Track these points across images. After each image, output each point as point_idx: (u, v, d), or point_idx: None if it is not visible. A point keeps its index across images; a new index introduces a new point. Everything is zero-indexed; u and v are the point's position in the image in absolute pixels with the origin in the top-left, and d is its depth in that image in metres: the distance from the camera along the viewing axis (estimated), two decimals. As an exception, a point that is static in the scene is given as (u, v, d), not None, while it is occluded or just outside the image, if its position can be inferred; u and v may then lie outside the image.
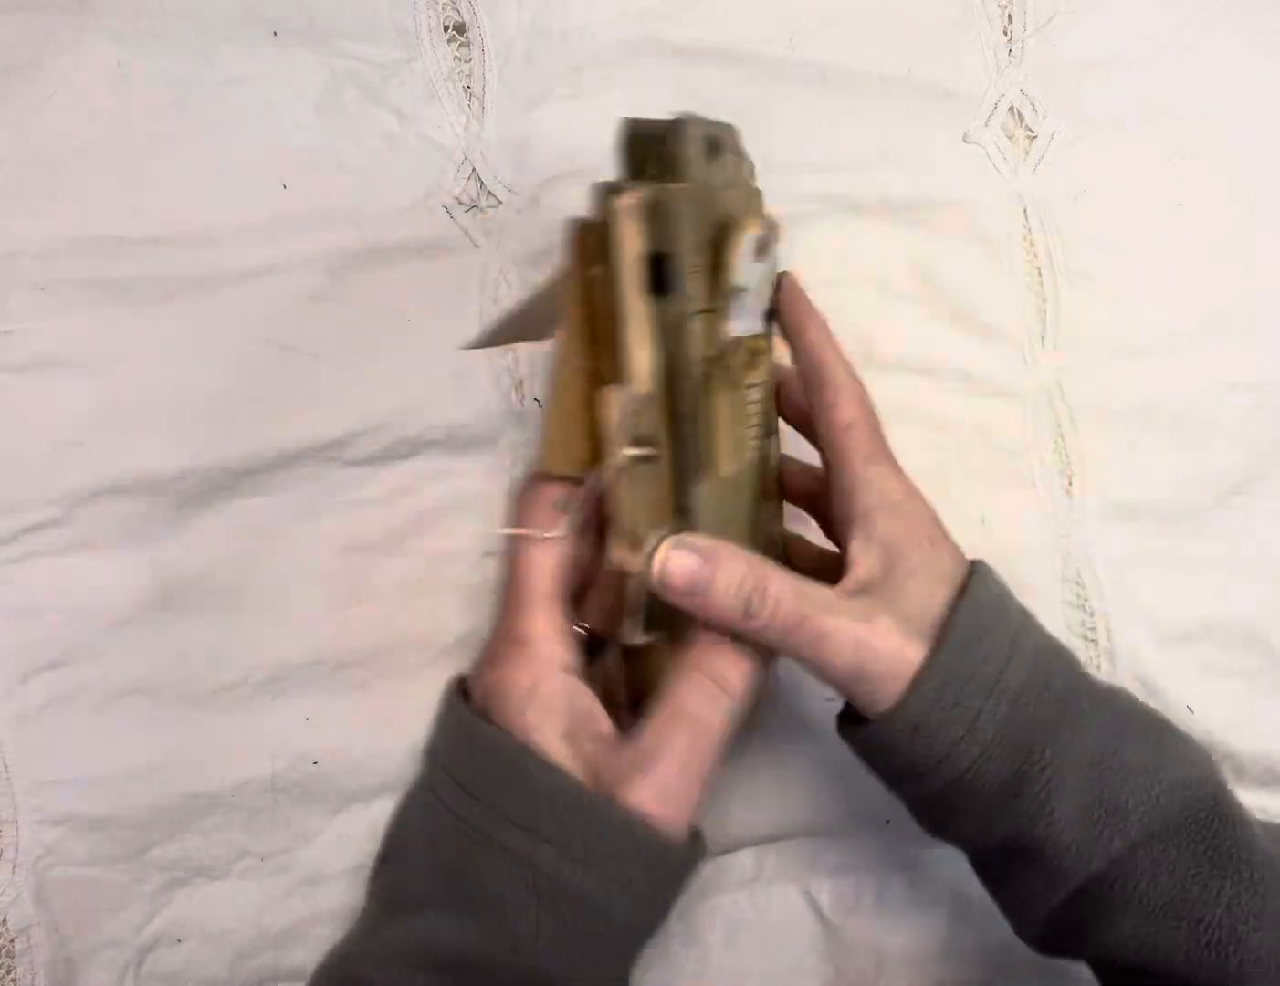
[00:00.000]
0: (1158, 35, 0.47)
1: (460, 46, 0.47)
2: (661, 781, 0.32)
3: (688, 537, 0.33)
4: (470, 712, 0.34)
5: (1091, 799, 0.32)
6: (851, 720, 0.36)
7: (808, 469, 0.41)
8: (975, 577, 0.34)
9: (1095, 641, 0.46)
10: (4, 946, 0.45)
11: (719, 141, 0.36)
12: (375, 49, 0.46)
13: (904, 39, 0.47)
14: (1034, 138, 0.47)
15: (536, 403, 0.46)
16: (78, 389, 0.45)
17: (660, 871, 0.33)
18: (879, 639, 0.32)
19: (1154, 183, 0.47)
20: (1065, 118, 0.47)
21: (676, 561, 0.32)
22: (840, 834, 0.46)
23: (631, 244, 0.32)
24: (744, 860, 0.46)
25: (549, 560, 0.35)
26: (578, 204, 0.45)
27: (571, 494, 0.34)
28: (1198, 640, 0.46)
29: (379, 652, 0.45)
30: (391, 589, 0.45)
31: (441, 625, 0.45)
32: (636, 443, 0.32)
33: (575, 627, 0.36)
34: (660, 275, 0.32)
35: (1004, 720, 0.32)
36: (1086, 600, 0.46)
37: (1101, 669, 0.46)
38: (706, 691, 0.33)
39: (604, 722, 0.34)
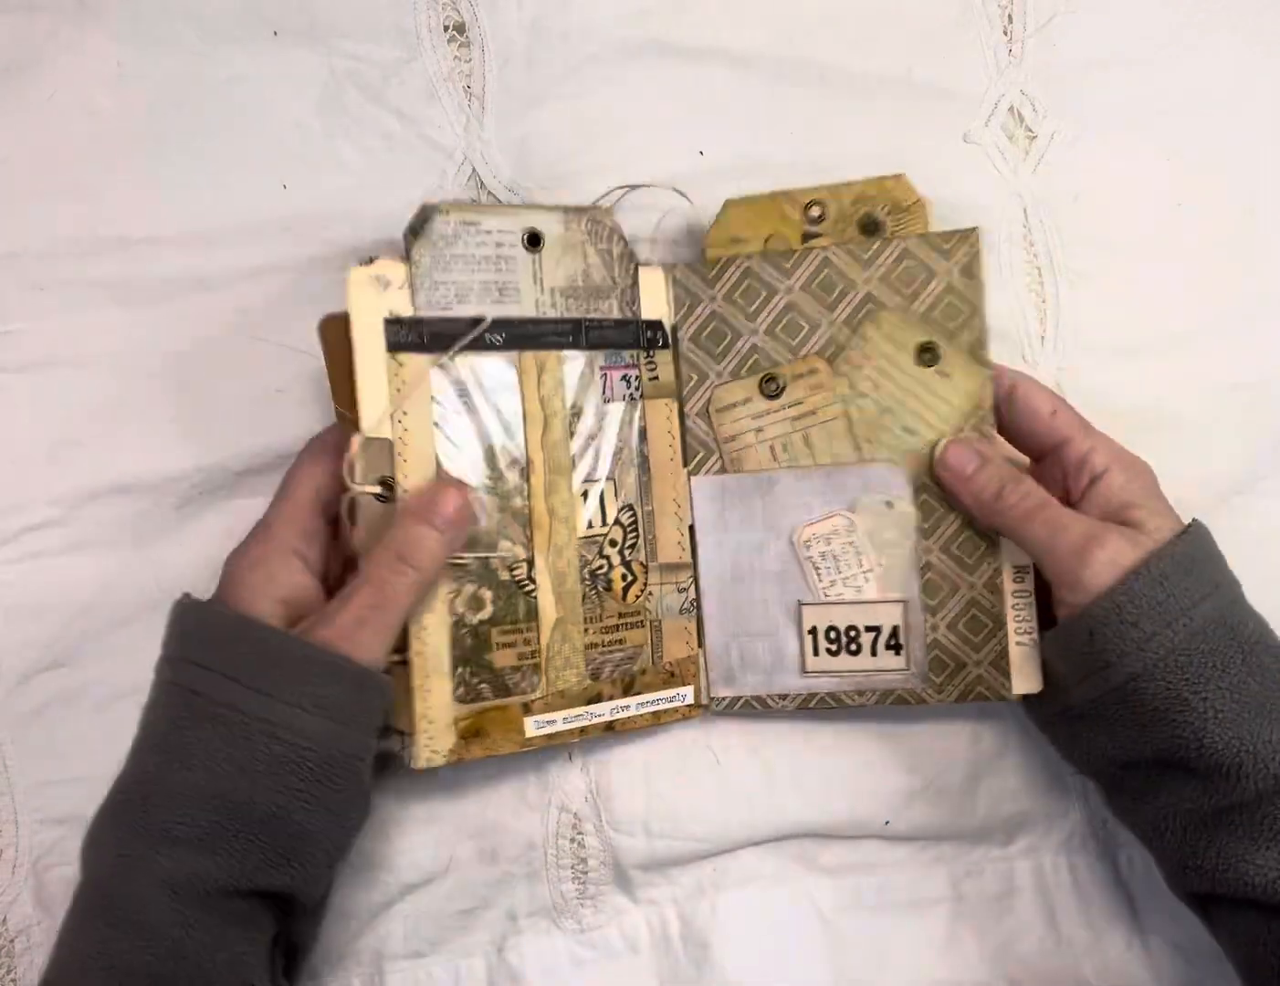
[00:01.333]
0: (1158, 35, 0.47)
1: (460, 46, 0.47)
2: (340, 625, 0.36)
3: (965, 436, 0.41)
4: (181, 599, 0.38)
5: (1251, 731, 0.36)
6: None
7: None
8: (1197, 525, 0.39)
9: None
10: (4, 946, 0.45)
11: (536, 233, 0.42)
12: (375, 49, 0.46)
13: (904, 39, 0.47)
14: (1034, 138, 0.47)
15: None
16: (78, 389, 0.45)
17: (338, 684, 0.36)
18: (1106, 540, 0.37)
19: (1154, 183, 0.47)
20: (1065, 118, 0.47)
21: (955, 452, 0.41)
22: (840, 834, 0.46)
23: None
24: (744, 860, 0.46)
25: (316, 473, 0.40)
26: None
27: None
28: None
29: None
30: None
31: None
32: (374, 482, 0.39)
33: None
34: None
35: (1178, 647, 0.36)
36: (1086, 600, 0.46)
37: (1101, 669, 0.46)
38: (390, 563, 0.37)
39: (321, 601, 0.39)
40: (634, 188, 0.45)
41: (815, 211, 0.43)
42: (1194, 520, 0.39)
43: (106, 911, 0.34)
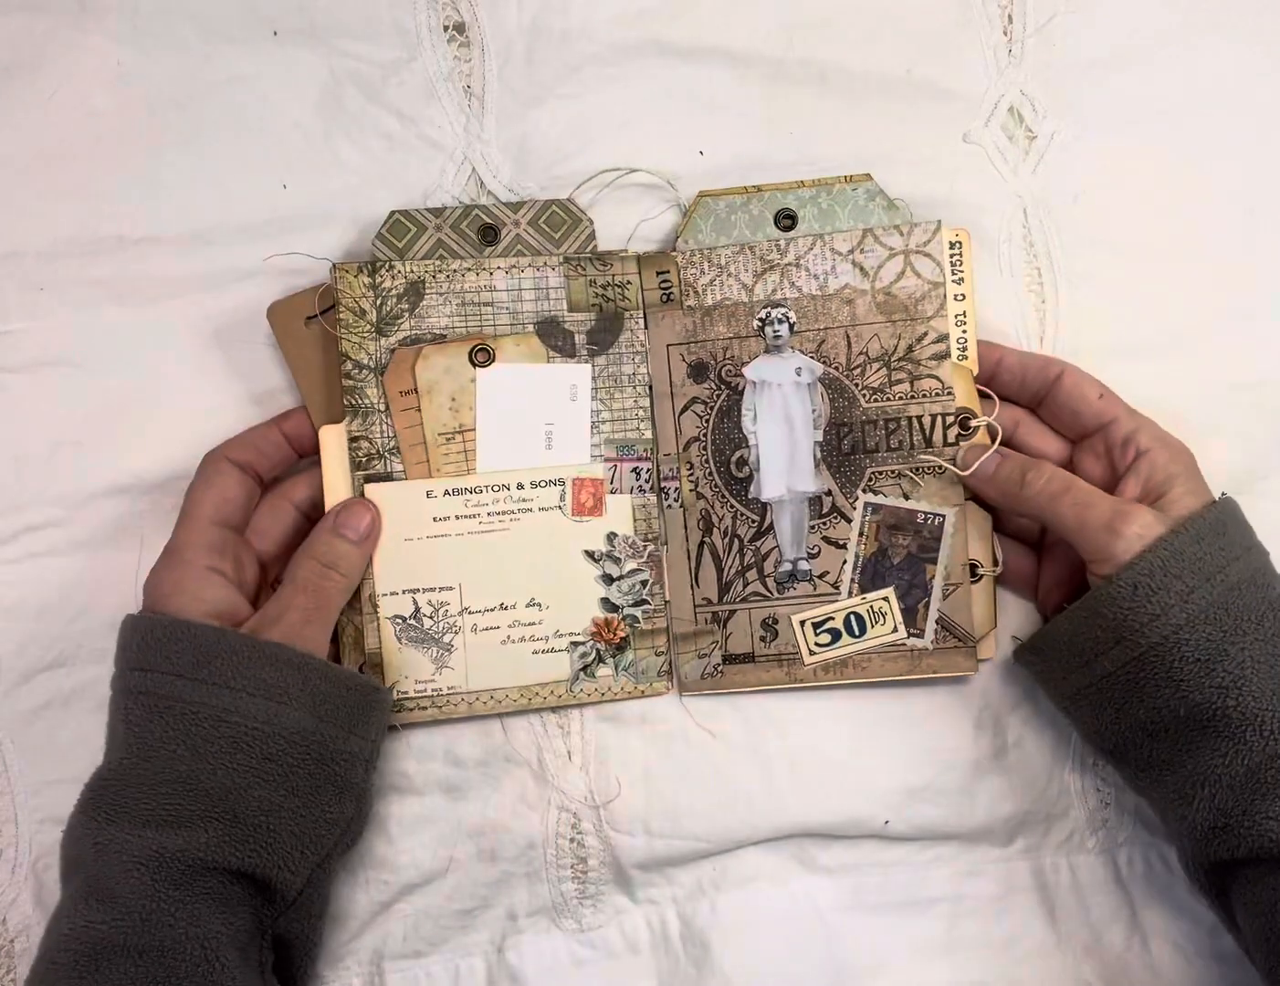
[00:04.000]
0: (1158, 35, 0.47)
1: (460, 46, 0.47)
2: (288, 627, 0.40)
3: (976, 442, 0.44)
4: (124, 619, 0.40)
5: None
6: (1031, 653, 0.43)
7: None
8: (1227, 498, 0.41)
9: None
10: (4, 946, 0.45)
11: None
12: (375, 49, 0.46)
13: (904, 39, 0.47)
14: (1034, 138, 0.47)
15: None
16: (78, 389, 0.45)
17: (280, 668, 0.39)
18: (1136, 511, 0.39)
19: (1154, 183, 0.47)
20: (1065, 118, 0.47)
21: (973, 456, 0.44)
22: (840, 834, 0.46)
23: None
24: (744, 860, 0.46)
25: (215, 489, 0.42)
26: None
27: None
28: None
29: (379, 652, 0.45)
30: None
31: (441, 625, 0.45)
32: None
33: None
34: None
35: (1216, 601, 0.38)
36: (1086, 600, 0.46)
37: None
38: (318, 570, 0.41)
39: (247, 611, 0.41)
40: (629, 171, 0.45)
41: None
42: (1224, 494, 0.41)
43: (83, 892, 0.37)
